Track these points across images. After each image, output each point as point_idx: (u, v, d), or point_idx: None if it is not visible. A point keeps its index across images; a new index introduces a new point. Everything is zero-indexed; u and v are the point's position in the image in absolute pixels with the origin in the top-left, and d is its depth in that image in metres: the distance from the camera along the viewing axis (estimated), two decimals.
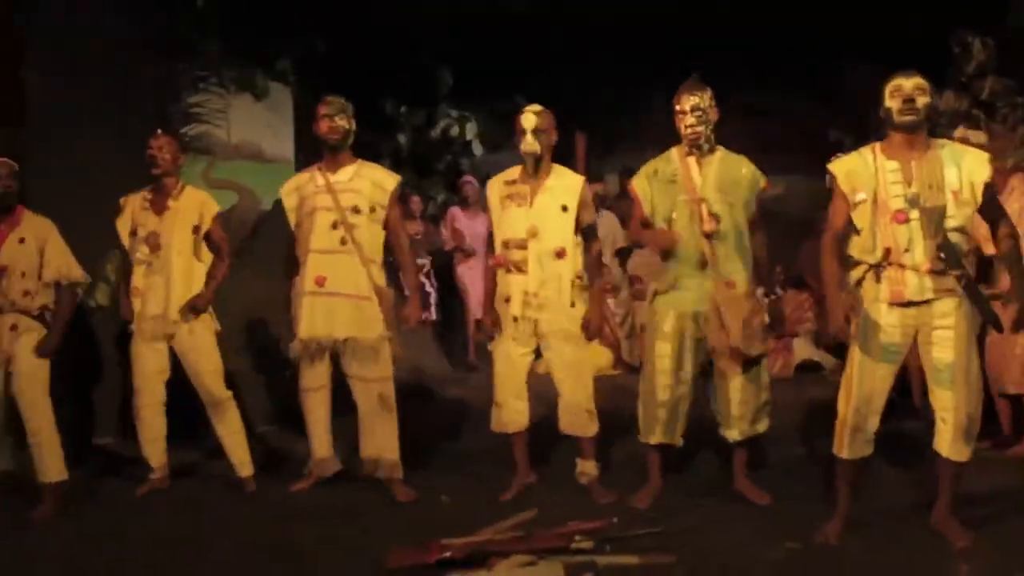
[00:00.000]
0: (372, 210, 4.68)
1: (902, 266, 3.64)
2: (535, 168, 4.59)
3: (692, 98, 4.37)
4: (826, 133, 9.51)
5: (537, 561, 3.53)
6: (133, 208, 4.95)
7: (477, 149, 9.46)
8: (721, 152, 4.49)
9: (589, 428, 4.55)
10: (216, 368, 4.88)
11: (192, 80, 6.86)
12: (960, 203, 3.64)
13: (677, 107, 4.42)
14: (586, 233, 4.63)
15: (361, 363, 4.58)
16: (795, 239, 8.05)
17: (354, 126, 4.76)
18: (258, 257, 6.51)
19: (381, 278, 4.71)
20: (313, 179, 4.78)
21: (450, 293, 8.29)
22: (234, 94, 7.20)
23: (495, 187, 4.75)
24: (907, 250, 3.63)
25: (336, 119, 4.69)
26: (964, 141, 5.27)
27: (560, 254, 4.52)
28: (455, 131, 9.37)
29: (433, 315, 8.12)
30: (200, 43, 6.83)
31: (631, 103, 10.34)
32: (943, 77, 7.78)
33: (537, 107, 4.62)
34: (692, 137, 4.38)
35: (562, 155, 9.76)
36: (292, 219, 4.85)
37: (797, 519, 3.96)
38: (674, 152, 4.50)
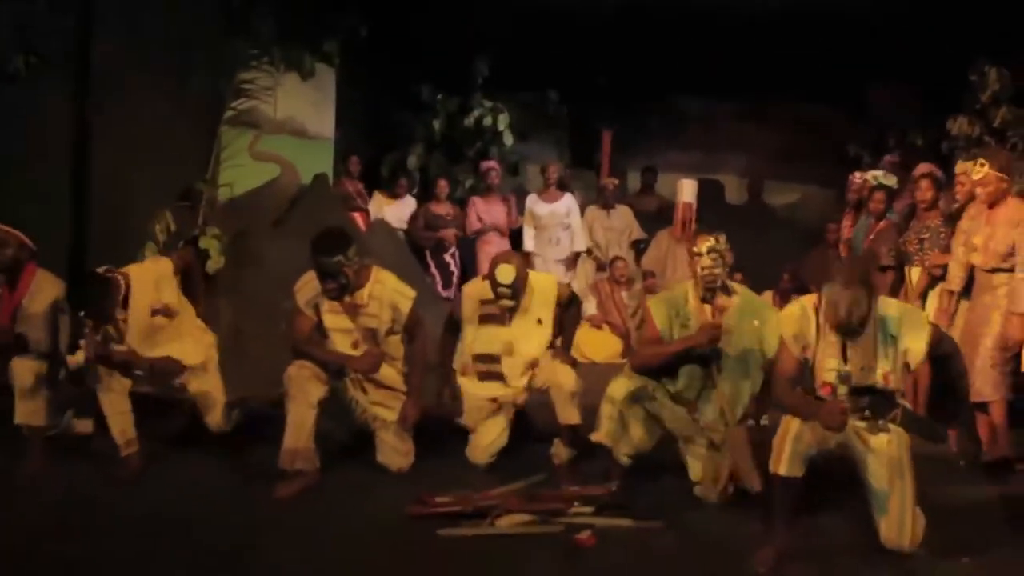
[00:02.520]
0: (390, 332, 4.70)
1: None
2: None
3: (709, 240, 4.31)
4: (845, 147, 9.77)
5: (538, 520, 3.94)
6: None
7: (507, 139, 9.78)
8: (739, 299, 4.39)
9: (574, 416, 4.69)
10: None
11: (245, 58, 7.20)
12: (892, 380, 3.69)
13: (693, 249, 4.35)
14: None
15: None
16: (806, 247, 8.37)
17: (356, 261, 4.52)
18: (297, 226, 6.91)
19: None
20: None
21: (472, 273, 8.61)
22: (282, 73, 7.51)
23: (469, 303, 4.96)
24: None
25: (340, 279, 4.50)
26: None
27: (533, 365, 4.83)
28: (488, 121, 9.70)
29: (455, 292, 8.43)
30: (254, 23, 7.17)
31: (657, 102, 10.65)
32: (960, 101, 8.10)
33: (511, 267, 4.75)
34: (708, 280, 4.29)
35: (587, 151, 10.27)
36: (304, 311, 4.64)
37: None
38: (690, 292, 4.41)
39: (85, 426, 5.11)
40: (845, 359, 3.66)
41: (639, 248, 8.38)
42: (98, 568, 3.50)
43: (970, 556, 3.72)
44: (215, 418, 4.82)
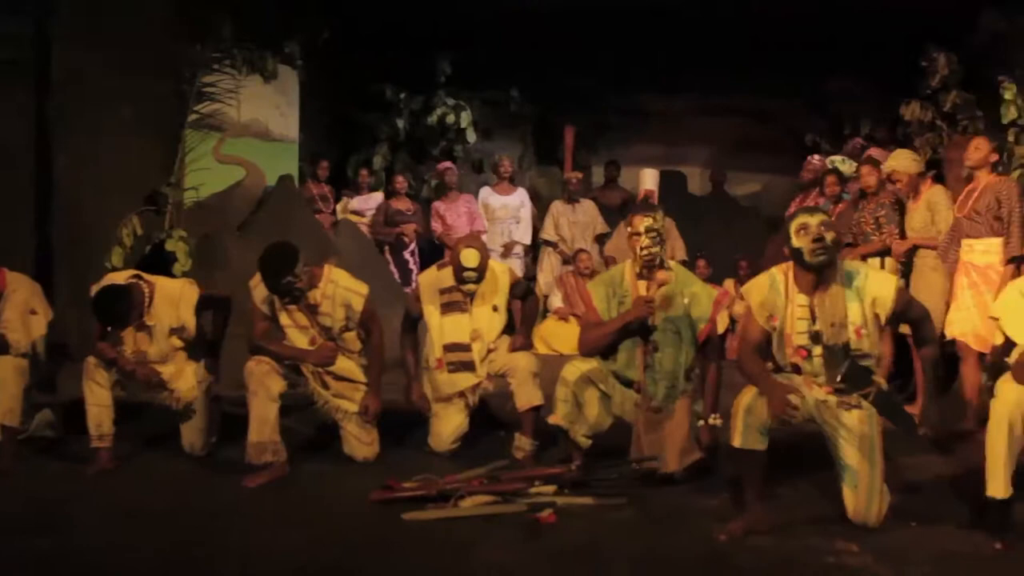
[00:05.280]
0: (345, 329, 4.79)
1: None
2: None
3: (646, 219, 4.41)
4: (803, 136, 9.96)
5: (500, 501, 4.04)
6: None
7: (470, 136, 9.88)
8: (673, 274, 4.50)
9: (536, 396, 4.77)
10: None
11: (206, 61, 7.26)
12: (864, 336, 3.80)
13: (630, 228, 4.47)
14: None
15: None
16: (766, 236, 8.51)
17: (307, 270, 4.61)
18: (263, 228, 6.99)
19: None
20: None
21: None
22: (245, 75, 7.57)
23: (428, 292, 5.04)
24: (812, 376, 3.90)
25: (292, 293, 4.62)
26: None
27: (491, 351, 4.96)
28: (451, 119, 9.80)
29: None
30: (215, 26, 7.23)
31: (619, 97, 10.77)
32: (913, 88, 8.27)
33: (475, 251, 4.88)
34: (647, 258, 4.41)
35: (551, 147, 10.38)
36: (260, 308, 4.74)
37: None
38: (627, 271, 4.54)
39: (45, 416, 5.16)
40: (815, 320, 3.80)
41: (603, 242, 8.49)
42: (68, 561, 3.53)
43: (917, 521, 3.87)
44: (193, 442, 4.88)
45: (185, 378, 4.85)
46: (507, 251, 8.41)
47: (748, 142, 10.76)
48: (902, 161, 5.74)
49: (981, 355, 5.17)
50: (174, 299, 4.81)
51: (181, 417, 4.86)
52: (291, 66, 8.46)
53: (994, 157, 5.38)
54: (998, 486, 3.72)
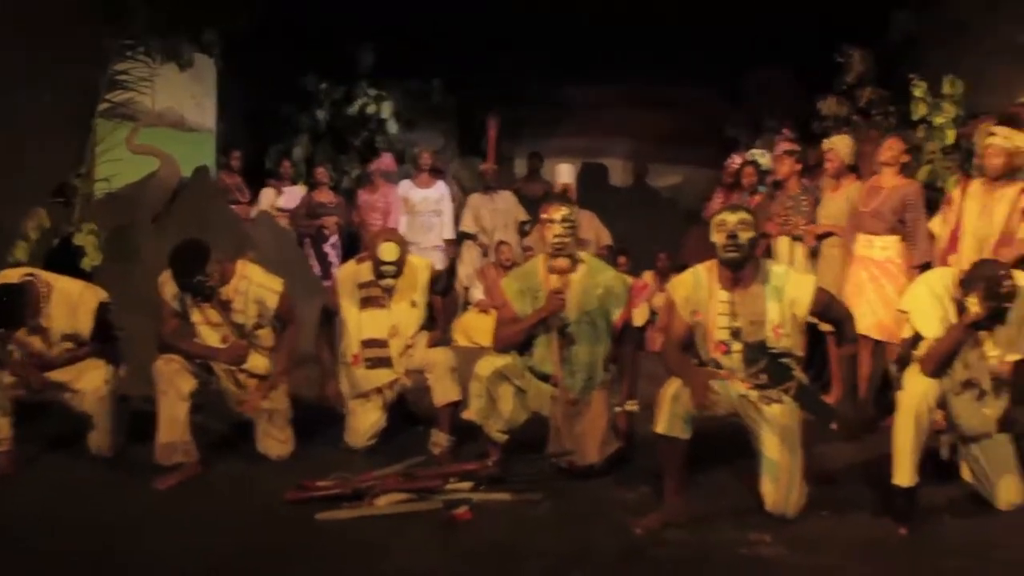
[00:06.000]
0: (258, 326, 4.68)
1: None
2: None
3: (563, 209, 4.42)
4: (722, 129, 10.10)
5: (416, 498, 4.01)
6: None
7: (392, 127, 9.81)
8: (585, 266, 4.51)
9: (454, 392, 4.72)
10: None
11: (119, 48, 7.05)
12: (782, 335, 3.90)
13: (544, 216, 4.47)
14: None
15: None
16: (688, 227, 8.60)
17: (218, 267, 4.53)
18: (178, 220, 6.82)
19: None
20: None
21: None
22: (160, 63, 7.37)
23: (346, 286, 4.96)
24: (732, 372, 3.98)
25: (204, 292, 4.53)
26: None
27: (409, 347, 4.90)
28: (372, 109, 9.71)
29: None
30: (129, 11, 7.03)
31: (542, 89, 10.78)
32: (830, 83, 8.43)
33: (394, 244, 4.86)
34: (558, 246, 4.40)
35: (474, 138, 10.35)
36: (170, 305, 4.64)
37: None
38: (540, 265, 4.54)
39: None
40: (735, 317, 3.91)
41: (524, 231, 8.48)
42: None
43: (829, 511, 3.95)
44: (100, 443, 4.66)
45: (89, 378, 4.63)
46: (447, 250, 8.40)
47: (669, 134, 10.88)
48: (841, 144, 5.94)
49: (877, 344, 5.42)
50: (72, 303, 4.59)
51: (86, 418, 4.65)
52: (208, 55, 8.26)
53: (905, 158, 5.55)
54: (904, 475, 3.83)
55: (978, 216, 4.97)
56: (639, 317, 6.59)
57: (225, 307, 4.60)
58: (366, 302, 4.93)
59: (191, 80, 8.23)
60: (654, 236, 8.86)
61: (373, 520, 3.84)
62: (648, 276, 8.30)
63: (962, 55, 7.26)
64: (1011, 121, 5.20)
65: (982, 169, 5.12)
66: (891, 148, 5.51)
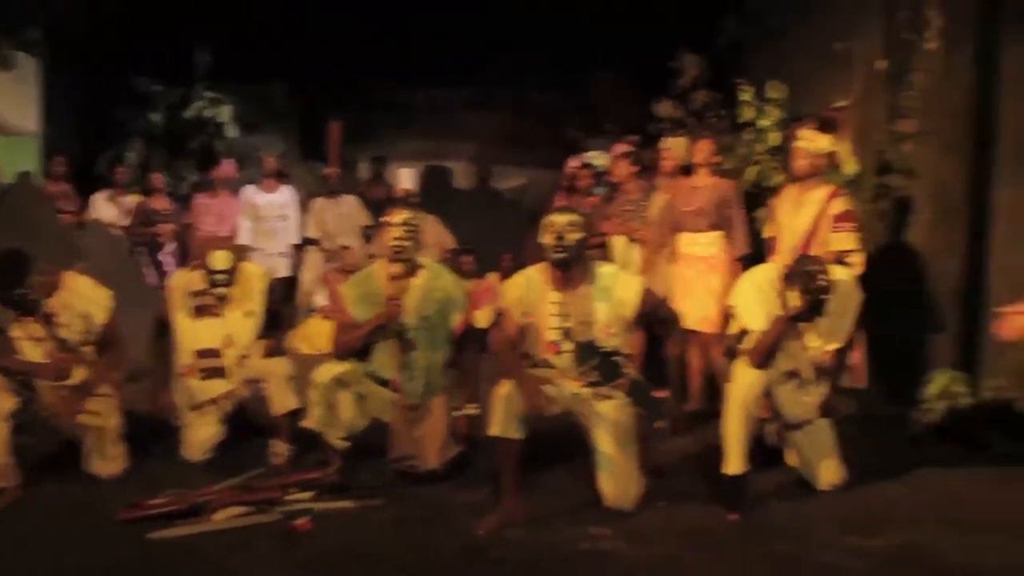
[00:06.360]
0: (85, 343, 4.53)
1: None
2: None
3: (405, 213, 4.47)
4: (564, 131, 10.28)
5: (255, 511, 3.92)
6: None
7: (231, 131, 9.58)
8: (426, 271, 4.53)
9: (292, 400, 4.69)
10: None
11: None
12: (612, 335, 4.03)
13: (386, 219, 4.51)
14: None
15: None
16: (532, 228, 8.70)
17: (39, 280, 4.35)
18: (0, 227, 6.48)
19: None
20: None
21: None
22: None
23: (178, 295, 4.83)
24: (563, 371, 4.08)
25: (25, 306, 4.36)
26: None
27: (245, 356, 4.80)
28: (209, 112, 9.46)
29: None
30: None
31: (387, 92, 10.75)
32: (666, 87, 8.71)
33: (224, 253, 4.80)
34: (398, 250, 4.42)
35: (317, 142, 10.22)
36: None
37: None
38: (379, 270, 4.54)
39: None
40: (565, 317, 4.01)
41: (368, 236, 8.42)
42: None
43: (666, 501, 4.09)
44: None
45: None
46: (292, 256, 8.22)
47: (513, 137, 11.02)
48: (677, 145, 6.16)
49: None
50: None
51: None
52: (31, 54, 7.88)
53: (716, 159, 5.80)
54: (735, 463, 4.00)
55: (791, 216, 5.21)
56: (483, 319, 6.62)
57: (49, 321, 4.39)
58: (199, 311, 4.80)
59: (12, 80, 7.82)
60: (498, 237, 8.92)
61: (211, 536, 3.74)
62: (493, 278, 8.35)
63: (784, 61, 7.63)
64: (828, 125, 5.50)
65: (791, 171, 5.39)
66: (702, 150, 5.75)
